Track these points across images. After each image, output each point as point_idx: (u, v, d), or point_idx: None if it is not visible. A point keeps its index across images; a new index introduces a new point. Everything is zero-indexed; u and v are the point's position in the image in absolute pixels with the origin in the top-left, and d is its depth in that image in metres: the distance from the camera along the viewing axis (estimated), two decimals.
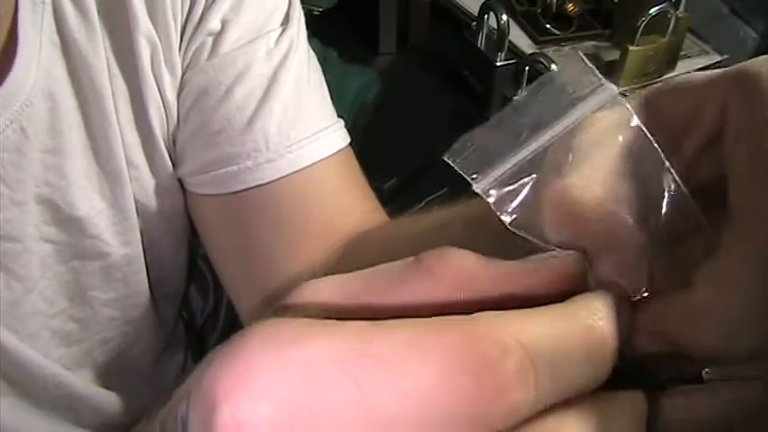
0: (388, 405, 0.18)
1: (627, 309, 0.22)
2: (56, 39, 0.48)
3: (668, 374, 0.21)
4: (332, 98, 0.59)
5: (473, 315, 0.20)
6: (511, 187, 0.23)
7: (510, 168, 0.23)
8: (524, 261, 0.22)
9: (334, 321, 0.20)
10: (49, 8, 0.47)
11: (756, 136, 0.23)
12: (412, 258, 0.22)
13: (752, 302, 0.22)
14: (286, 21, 0.54)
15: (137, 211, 0.54)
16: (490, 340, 0.19)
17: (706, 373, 0.20)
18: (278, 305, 0.22)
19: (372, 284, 0.22)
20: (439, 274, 0.21)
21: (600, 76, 0.24)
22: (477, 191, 0.23)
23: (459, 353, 0.19)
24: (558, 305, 0.21)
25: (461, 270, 0.21)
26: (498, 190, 0.23)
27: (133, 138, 0.52)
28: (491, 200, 0.23)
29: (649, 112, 0.26)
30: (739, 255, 0.22)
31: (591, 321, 0.21)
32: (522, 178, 0.23)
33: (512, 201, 0.23)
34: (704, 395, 0.22)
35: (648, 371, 0.21)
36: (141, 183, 0.54)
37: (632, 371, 0.21)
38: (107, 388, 0.60)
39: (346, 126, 0.58)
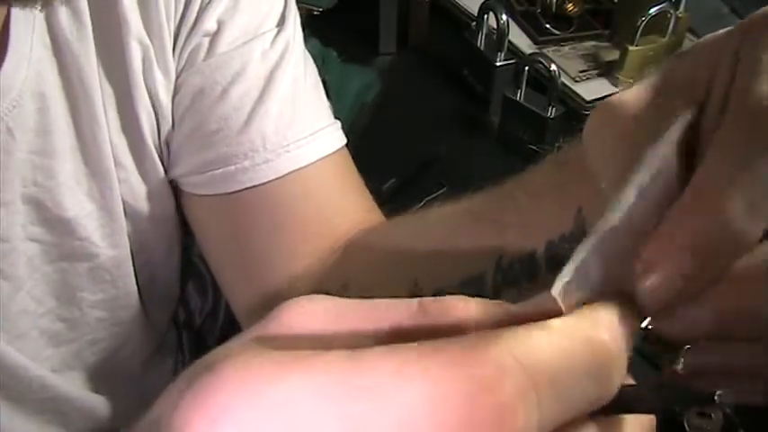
0: None
1: (634, 318, 0.21)
2: (47, 39, 0.47)
3: (680, 399, 0.20)
4: (332, 98, 0.59)
5: (466, 335, 0.19)
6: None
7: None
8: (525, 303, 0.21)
9: (314, 352, 0.18)
10: None
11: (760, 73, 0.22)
12: (415, 305, 0.20)
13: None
14: (282, 22, 0.54)
15: (125, 214, 0.54)
16: (485, 360, 0.18)
17: (719, 396, 0.19)
18: (260, 331, 0.20)
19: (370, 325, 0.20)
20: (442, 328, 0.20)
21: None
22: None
23: (452, 376, 0.17)
24: (558, 319, 0.20)
25: (462, 322, 0.20)
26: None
27: (121, 140, 0.52)
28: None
29: (670, 79, 0.26)
30: (730, 151, 0.22)
31: (593, 333, 0.19)
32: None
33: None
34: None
35: (660, 396, 0.20)
36: (130, 185, 0.54)
37: (643, 397, 0.21)
38: (96, 391, 0.59)
39: (346, 126, 0.58)
